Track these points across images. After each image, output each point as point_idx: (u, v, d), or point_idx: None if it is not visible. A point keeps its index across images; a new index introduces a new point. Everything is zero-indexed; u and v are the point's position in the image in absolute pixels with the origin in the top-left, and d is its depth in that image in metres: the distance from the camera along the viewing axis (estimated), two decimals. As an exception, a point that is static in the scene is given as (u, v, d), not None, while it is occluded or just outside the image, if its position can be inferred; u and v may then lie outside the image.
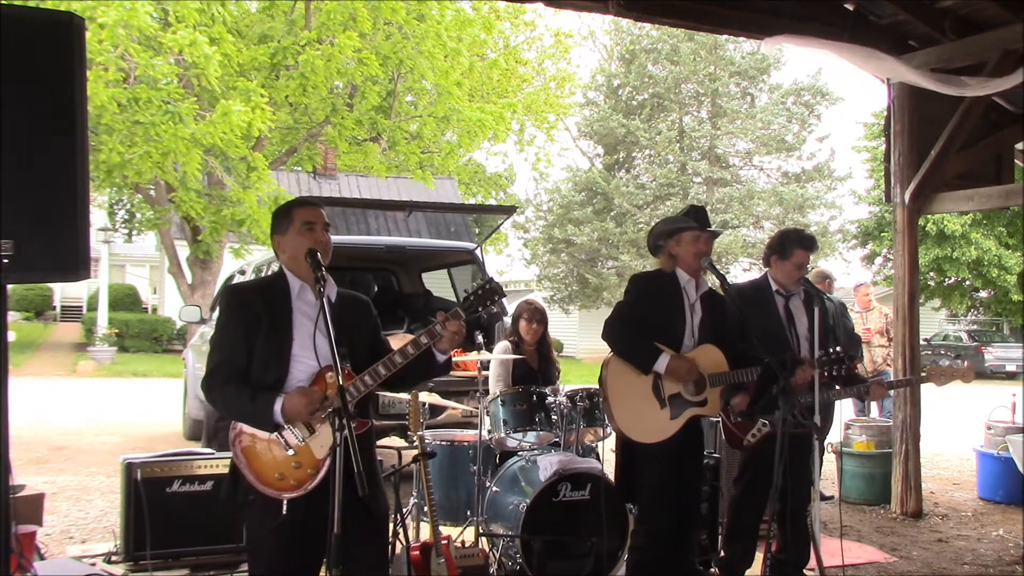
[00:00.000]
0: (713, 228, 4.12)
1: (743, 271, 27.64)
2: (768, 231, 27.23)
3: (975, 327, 29.29)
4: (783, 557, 4.32)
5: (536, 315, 5.30)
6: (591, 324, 26.28)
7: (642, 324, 3.99)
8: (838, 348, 4.11)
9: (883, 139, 7.84)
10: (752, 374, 4.00)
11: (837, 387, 4.33)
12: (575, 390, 4.89)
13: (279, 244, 2.97)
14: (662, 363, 3.89)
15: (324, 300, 2.76)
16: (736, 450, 4.51)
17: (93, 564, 4.61)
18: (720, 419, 4.45)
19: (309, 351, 2.85)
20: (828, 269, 8.09)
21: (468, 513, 4.75)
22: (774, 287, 4.38)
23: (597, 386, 4.36)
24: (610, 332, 4.03)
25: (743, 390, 4.22)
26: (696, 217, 4.09)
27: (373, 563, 2.96)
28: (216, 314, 3.81)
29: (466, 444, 4.91)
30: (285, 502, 2.76)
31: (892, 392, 6.73)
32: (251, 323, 2.84)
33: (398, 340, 6.80)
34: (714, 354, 4.05)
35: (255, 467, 2.81)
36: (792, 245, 4.34)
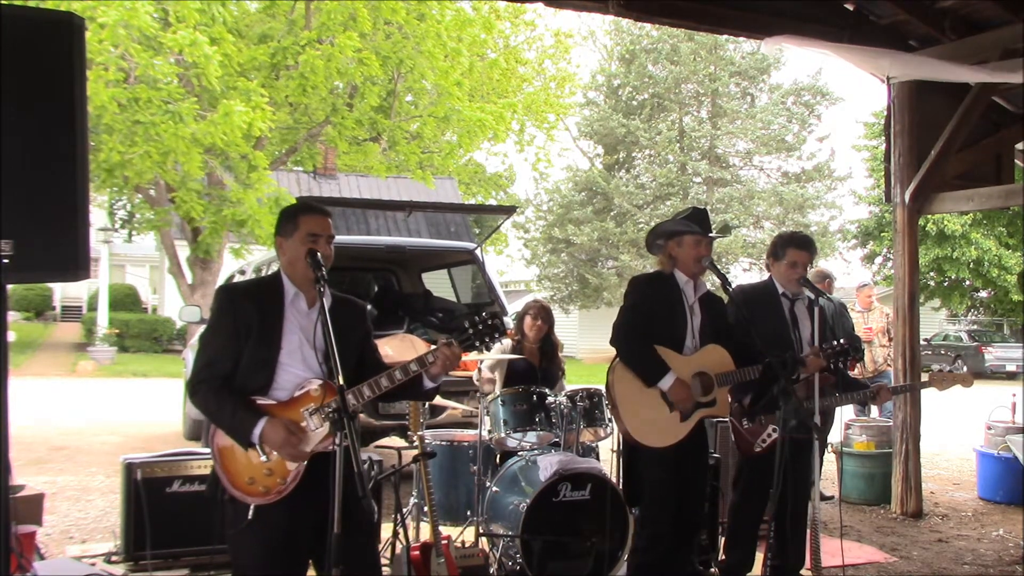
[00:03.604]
0: (715, 234, 4.13)
1: (743, 271, 27.67)
2: (768, 231, 27.24)
3: (975, 327, 29.29)
4: (782, 558, 4.32)
5: (542, 313, 5.30)
6: (591, 324, 26.30)
7: (646, 328, 3.98)
8: (842, 340, 4.12)
9: (883, 138, 7.84)
10: (757, 371, 4.00)
11: (838, 394, 4.34)
12: (575, 390, 4.90)
13: (280, 246, 2.96)
14: (666, 382, 3.89)
15: (322, 308, 2.77)
16: (742, 455, 4.49)
17: (93, 564, 4.61)
18: (731, 425, 4.44)
19: (297, 360, 2.86)
20: (828, 269, 8.08)
21: (468, 513, 4.75)
22: (780, 290, 4.39)
23: (597, 386, 4.36)
24: (618, 340, 4.02)
25: (752, 390, 4.22)
26: (698, 220, 4.08)
27: (365, 563, 2.96)
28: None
29: (466, 444, 4.91)
30: (252, 507, 2.77)
31: (892, 393, 6.74)
32: (241, 327, 2.84)
33: (397, 340, 6.84)
34: (719, 354, 4.04)
35: (229, 468, 2.82)
36: (783, 246, 4.37)
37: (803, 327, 4.37)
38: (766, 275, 4.55)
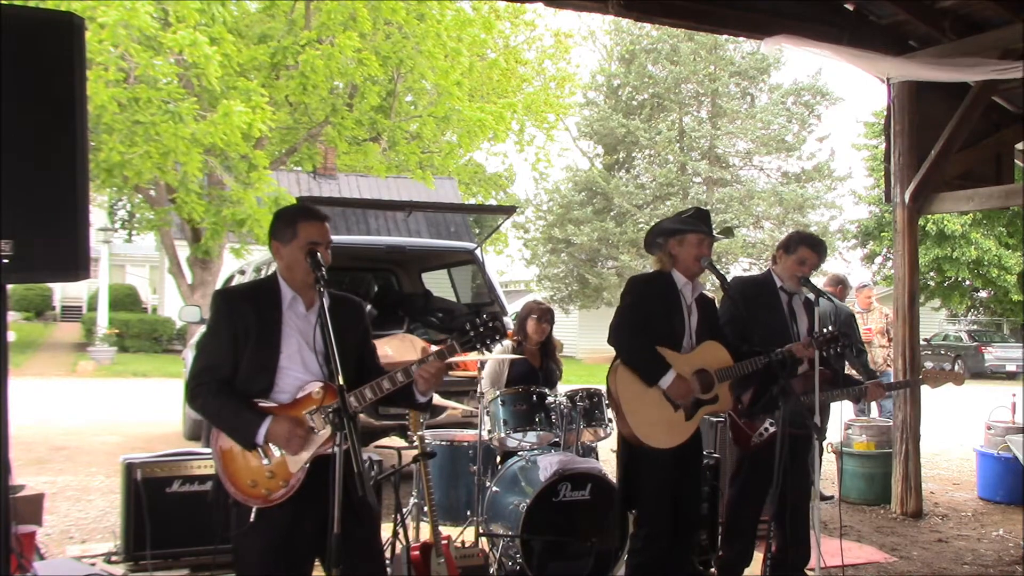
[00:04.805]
0: (718, 235, 4.13)
1: (743, 271, 27.66)
2: (768, 231, 27.25)
3: (975, 327, 29.27)
4: (783, 557, 4.32)
5: (546, 316, 5.30)
6: (591, 324, 26.30)
7: (645, 327, 3.98)
8: (829, 327, 4.13)
9: (883, 138, 7.84)
10: (756, 363, 3.99)
11: (834, 390, 4.35)
12: (575, 390, 4.89)
13: (277, 251, 2.93)
14: (667, 380, 3.87)
15: (322, 310, 2.76)
16: (740, 449, 4.49)
17: (93, 564, 4.61)
18: (729, 419, 4.44)
19: (297, 363, 2.86)
20: (844, 274, 8.02)
21: (468, 513, 4.75)
22: (778, 283, 4.40)
23: (597, 386, 4.35)
24: (616, 339, 4.00)
25: (752, 384, 4.23)
26: (701, 221, 4.08)
27: (371, 556, 2.97)
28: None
29: (466, 444, 4.90)
30: (254, 510, 2.78)
31: (892, 392, 6.73)
32: (239, 332, 2.83)
33: (397, 340, 6.83)
34: (718, 350, 4.04)
35: (230, 470, 2.82)
36: (798, 242, 4.42)
37: (801, 322, 4.39)
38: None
